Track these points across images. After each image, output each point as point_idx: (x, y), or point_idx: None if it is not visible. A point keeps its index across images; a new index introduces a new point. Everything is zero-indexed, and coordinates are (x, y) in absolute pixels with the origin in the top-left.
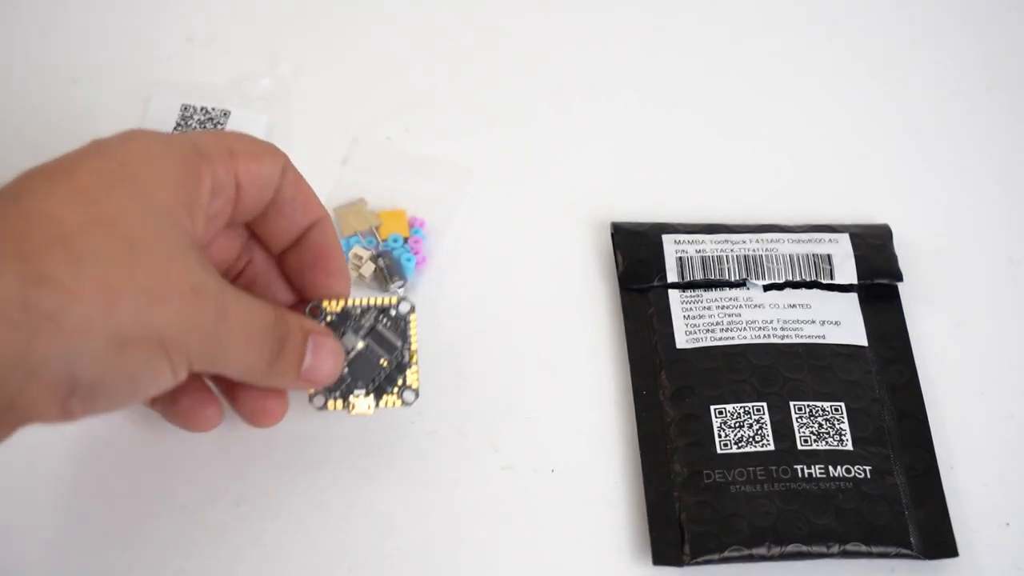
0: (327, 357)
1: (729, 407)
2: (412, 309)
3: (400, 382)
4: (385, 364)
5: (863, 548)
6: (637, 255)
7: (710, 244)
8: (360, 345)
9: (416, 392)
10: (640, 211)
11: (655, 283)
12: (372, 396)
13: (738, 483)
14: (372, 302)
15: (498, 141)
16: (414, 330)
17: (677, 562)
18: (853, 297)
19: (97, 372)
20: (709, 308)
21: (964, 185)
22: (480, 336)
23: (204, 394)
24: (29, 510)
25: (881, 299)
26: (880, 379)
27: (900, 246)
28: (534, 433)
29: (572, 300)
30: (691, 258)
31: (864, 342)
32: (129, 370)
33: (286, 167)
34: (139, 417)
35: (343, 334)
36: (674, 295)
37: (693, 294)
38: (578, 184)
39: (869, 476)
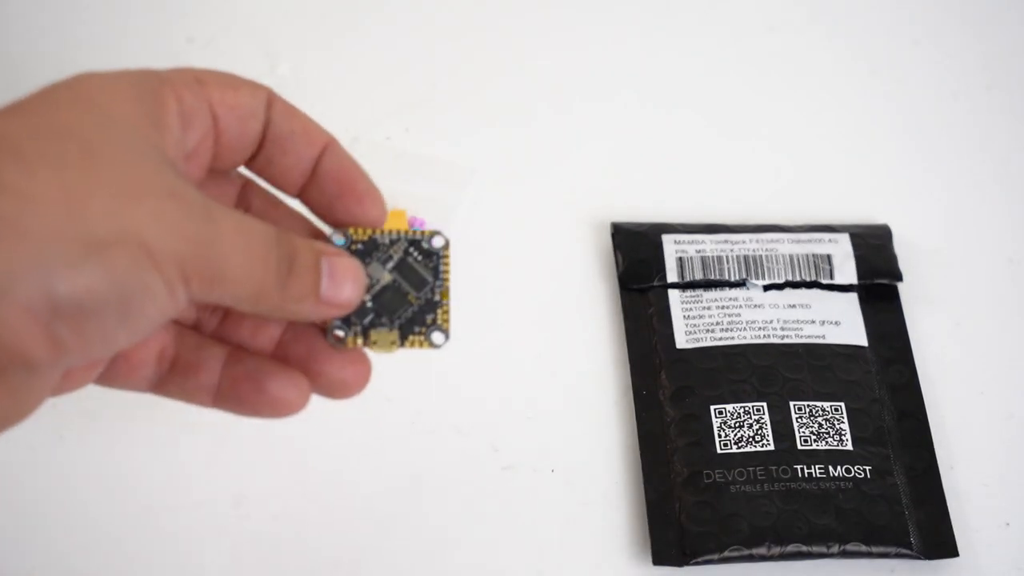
0: (346, 278)
1: (729, 407)
2: (447, 244)
3: (429, 320)
4: (414, 301)
5: (863, 548)
6: (637, 255)
7: (710, 244)
8: (387, 278)
9: (446, 333)
10: (640, 211)
11: (655, 283)
12: (397, 332)
13: (738, 483)
14: (403, 232)
15: (498, 141)
16: (448, 267)
17: (677, 562)
18: (853, 297)
19: (78, 283)
20: (709, 308)
21: (964, 185)
22: (480, 336)
23: (290, 372)
24: (28, 509)
25: (881, 299)
26: (880, 379)
27: (900, 246)
28: (534, 433)
29: (572, 300)
30: (691, 258)
31: (864, 342)
32: (114, 277)
33: (272, 99)
34: (139, 416)
35: (368, 264)
36: (674, 295)
37: (693, 294)
38: (578, 184)
39: (869, 476)
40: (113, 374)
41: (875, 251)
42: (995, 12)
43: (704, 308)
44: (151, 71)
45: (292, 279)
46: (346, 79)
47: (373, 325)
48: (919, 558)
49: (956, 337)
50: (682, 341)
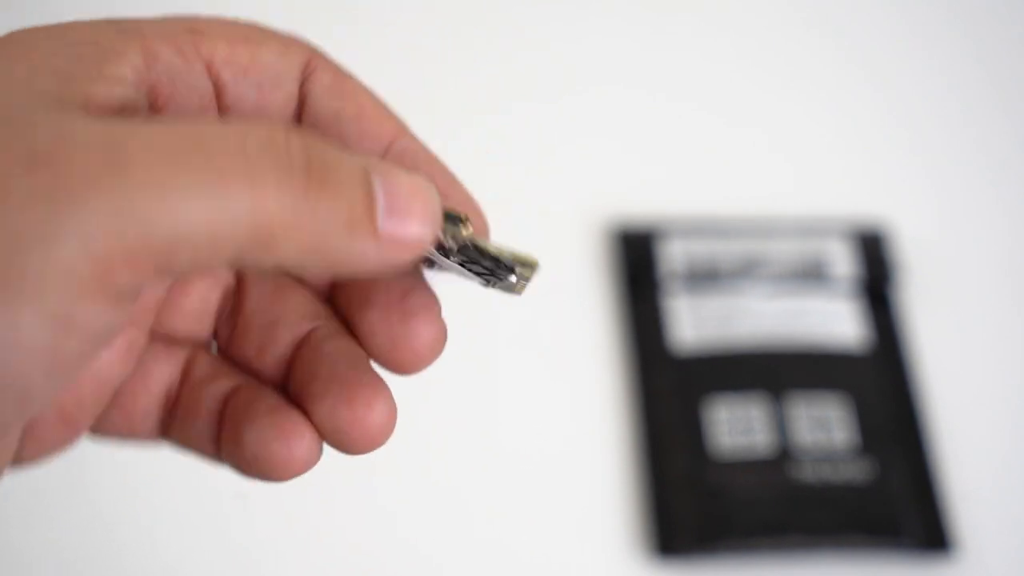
0: (412, 201)
1: (729, 407)
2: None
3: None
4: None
5: (863, 547)
6: (637, 255)
7: (710, 244)
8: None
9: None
10: (640, 211)
11: (655, 283)
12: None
13: (738, 482)
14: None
15: (497, 140)
16: (487, 243)
17: (677, 560)
18: (853, 296)
19: None
20: (709, 308)
21: (964, 185)
22: (479, 336)
23: (286, 411)
24: (29, 506)
25: (881, 299)
26: (880, 379)
27: (900, 246)
28: (533, 432)
29: (572, 300)
30: (691, 258)
31: (864, 341)
32: None
33: (313, 64)
34: None
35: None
36: (674, 295)
37: (693, 294)
38: (578, 183)
39: (869, 475)
40: (109, 424)
41: (875, 251)
42: (995, 12)
43: (704, 308)
44: (113, 21)
45: (324, 198)
46: None
47: (500, 269)
48: (919, 557)
49: (956, 337)
50: (682, 341)
